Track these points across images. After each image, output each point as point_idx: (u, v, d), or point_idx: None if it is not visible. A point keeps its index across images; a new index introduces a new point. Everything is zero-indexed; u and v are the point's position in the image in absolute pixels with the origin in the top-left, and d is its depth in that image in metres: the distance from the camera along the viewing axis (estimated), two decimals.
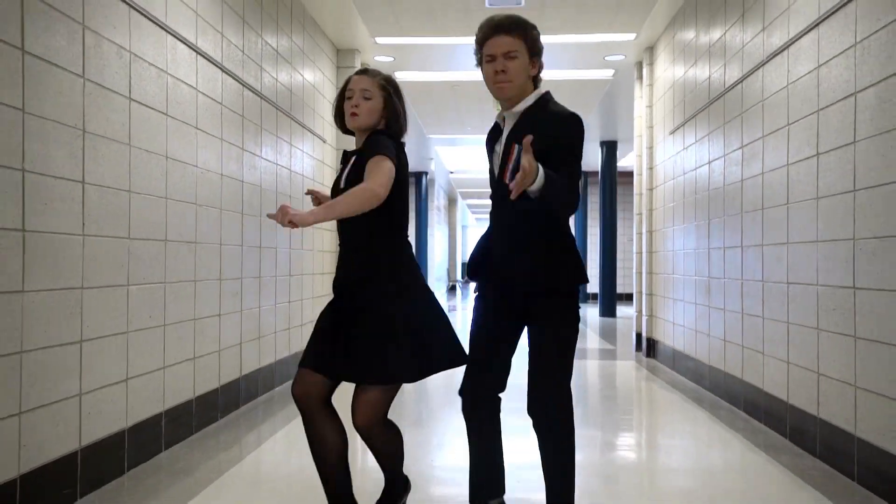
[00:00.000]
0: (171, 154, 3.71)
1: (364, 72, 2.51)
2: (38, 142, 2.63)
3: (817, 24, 3.60)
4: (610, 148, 13.27)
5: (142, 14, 3.38)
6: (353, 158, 2.42)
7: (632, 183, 11.63)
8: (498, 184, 2.30)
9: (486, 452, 2.42)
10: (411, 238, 2.63)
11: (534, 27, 2.31)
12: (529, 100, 2.32)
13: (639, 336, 7.80)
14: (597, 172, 14.66)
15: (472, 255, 2.48)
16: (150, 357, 3.49)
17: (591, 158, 14.95)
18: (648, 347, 7.45)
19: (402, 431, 2.54)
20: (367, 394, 2.31)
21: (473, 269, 2.46)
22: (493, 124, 2.47)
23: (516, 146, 2.11)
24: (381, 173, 2.21)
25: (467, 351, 2.40)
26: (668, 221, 6.78)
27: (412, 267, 2.41)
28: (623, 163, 14.58)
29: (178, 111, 3.79)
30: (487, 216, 2.45)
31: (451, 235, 26.00)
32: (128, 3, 3.26)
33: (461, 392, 2.41)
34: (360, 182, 2.25)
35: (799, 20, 3.82)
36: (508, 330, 2.36)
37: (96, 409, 3.03)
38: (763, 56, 4.30)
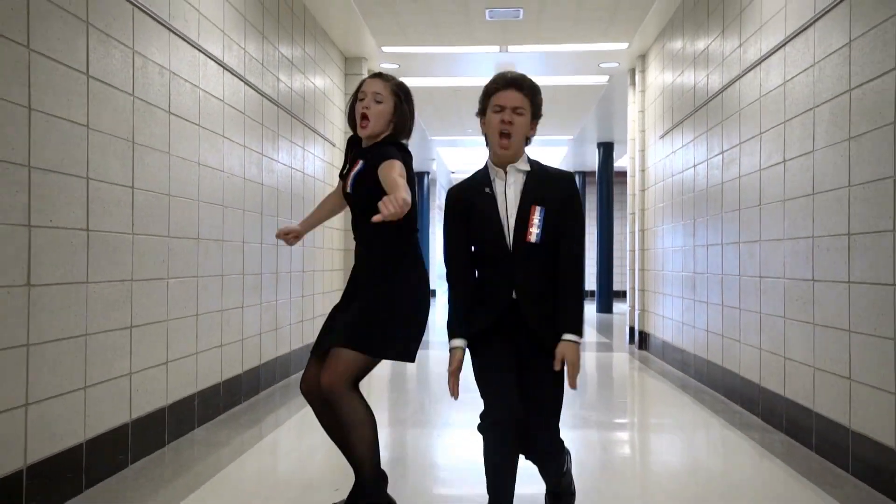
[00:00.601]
0: (203, 161, 4.11)
1: (378, 76, 2.61)
2: (99, 153, 3.04)
3: (783, 45, 4.00)
4: (607, 149, 13.67)
5: (179, 37, 3.78)
6: (360, 163, 2.53)
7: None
8: (505, 252, 2.36)
9: (505, 482, 2.30)
10: None
11: (540, 93, 2.45)
12: (524, 162, 2.44)
13: (632, 329, 8.21)
14: (594, 173, 15.06)
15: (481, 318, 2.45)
16: (185, 343, 3.90)
17: (589, 159, 15.35)
18: (641, 340, 7.86)
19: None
20: (338, 353, 2.40)
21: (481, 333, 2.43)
22: (466, 181, 2.49)
23: (537, 208, 2.33)
24: (400, 182, 2.28)
25: (479, 383, 2.38)
26: (658, 221, 7.18)
27: (420, 268, 2.57)
28: (620, 163, 14.97)
29: (209, 122, 4.20)
30: (448, 257, 2.48)
31: None
32: (169, 29, 3.66)
33: (486, 422, 2.30)
34: (368, 186, 2.44)
35: (769, 39, 4.22)
36: (514, 362, 2.39)
37: (143, 387, 3.44)
38: (740, 70, 4.70)
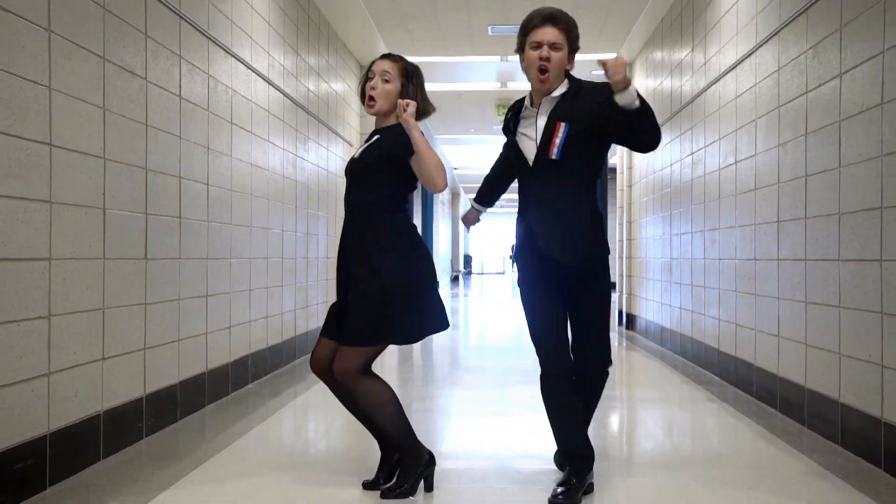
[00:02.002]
0: (254, 162, 4.95)
1: (387, 56, 2.64)
2: (187, 157, 3.87)
3: (735, 66, 4.82)
4: None
5: (239, 60, 4.62)
6: (375, 138, 2.60)
7: None
8: (541, 162, 2.48)
9: (569, 422, 2.57)
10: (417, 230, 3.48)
11: (576, 27, 2.51)
12: (563, 87, 2.50)
13: (620, 312, 9.05)
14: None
15: (518, 240, 2.64)
16: (242, 313, 4.74)
17: None
18: (628, 321, 8.70)
19: (409, 416, 2.66)
20: (343, 353, 2.50)
21: (519, 251, 2.62)
22: (508, 113, 2.65)
23: (561, 124, 2.40)
24: (425, 168, 2.49)
25: (529, 327, 2.56)
26: (642, 213, 8.02)
27: (413, 235, 2.57)
28: (615, 160, 15.79)
29: (259, 129, 5.03)
30: (496, 207, 3.40)
31: (454, 229, 27.23)
32: (232, 55, 4.49)
33: (544, 366, 2.54)
34: (367, 162, 2.56)
35: (726, 59, 5.04)
36: (562, 299, 2.55)
37: (216, 344, 4.28)
38: (705, 83, 5.53)
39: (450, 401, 4.54)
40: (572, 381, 2.53)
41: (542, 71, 2.42)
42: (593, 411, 2.80)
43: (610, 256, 2.64)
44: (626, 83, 2.29)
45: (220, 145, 4.35)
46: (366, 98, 2.61)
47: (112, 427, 3.12)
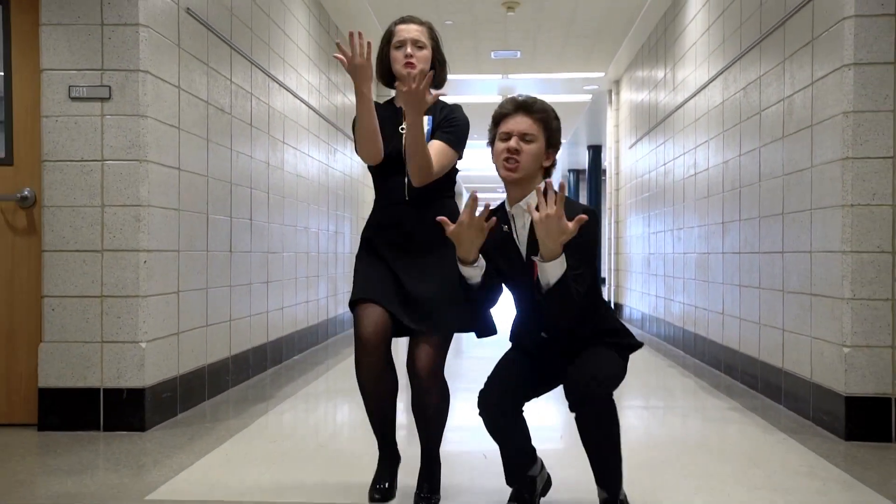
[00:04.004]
0: (298, 172, 6.00)
1: (410, 20, 2.44)
2: (254, 171, 4.93)
3: (696, 94, 5.87)
4: (595, 151, 15.55)
5: (288, 90, 5.67)
6: (429, 119, 2.38)
7: None
8: (531, 300, 2.15)
9: (513, 443, 2.30)
10: None
11: (556, 117, 2.18)
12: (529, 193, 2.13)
13: (609, 302, 10.12)
14: (584, 171, 16.93)
15: (515, 332, 2.36)
16: (290, 297, 5.79)
17: (582, 159, 17.22)
18: (616, 309, 9.77)
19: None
20: (431, 339, 2.34)
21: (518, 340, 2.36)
22: (495, 207, 2.24)
23: (538, 263, 2.00)
24: (446, 162, 2.36)
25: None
26: (628, 214, 9.07)
27: None
28: (606, 163, 16.89)
29: (301, 146, 6.09)
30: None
31: None
32: (283, 87, 5.55)
33: (482, 400, 2.25)
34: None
35: (690, 86, 6.08)
36: (546, 376, 2.26)
37: (273, 322, 5.34)
38: (675, 105, 6.58)
39: (454, 396, 5.59)
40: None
41: (509, 165, 2.11)
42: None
43: (600, 252, 2.50)
44: (555, 253, 1.96)
45: (276, 160, 5.41)
46: (400, 67, 2.35)
47: (212, 377, 4.18)
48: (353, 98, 8.69)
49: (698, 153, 5.78)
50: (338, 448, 3.31)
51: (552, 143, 2.18)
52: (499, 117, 2.20)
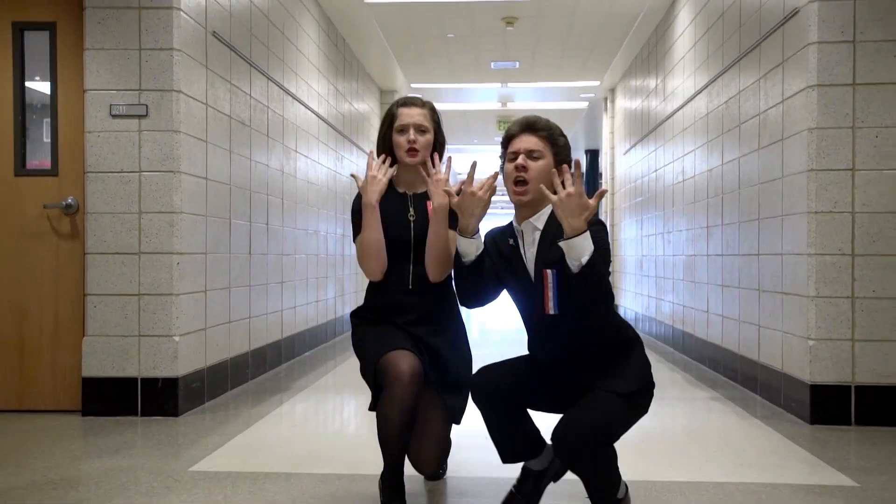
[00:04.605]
0: (309, 179, 6.37)
1: (413, 103, 2.49)
2: (271, 179, 5.29)
3: (683, 106, 6.23)
4: (593, 155, 15.91)
5: (302, 104, 6.03)
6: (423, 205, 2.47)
7: None
8: (540, 317, 2.15)
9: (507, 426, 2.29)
10: None
11: (563, 135, 2.20)
12: (548, 210, 2.15)
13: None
14: (583, 174, 17.29)
15: (529, 347, 2.33)
16: (302, 296, 6.15)
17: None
18: None
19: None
20: (438, 433, 2.45)
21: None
22: (501, 230, 2.30)
23: (549, 273, 2.04)
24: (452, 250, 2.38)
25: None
26: (623, 217, 9.43)
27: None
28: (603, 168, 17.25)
29: (312, 154, 6.45)
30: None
31: None
32: (298, 101, 5.91)
33: (476, 386, 2.29)
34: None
35: (679, 98, 6.44)
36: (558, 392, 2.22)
37: (287, 319, 5.69)
38: (665, 115, 6.94)
39: None
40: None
41: (518, 183, 2.14)
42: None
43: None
44: (580, 228, 1.94)
45: (290, 168, 5.77)
46: (402, 150, 2.46)
47: (234, 369, 4.54)
48: (358, 106, 9.10)
49: (686, 161, 6.14)
50: (352, 431, 3.66)
51: (560, 159, 2.18)
52: (506, 140, 2.25)
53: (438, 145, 2.54)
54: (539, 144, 2.17)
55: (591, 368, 2.15)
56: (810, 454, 3.18)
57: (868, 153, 3.62)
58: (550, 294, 2.06)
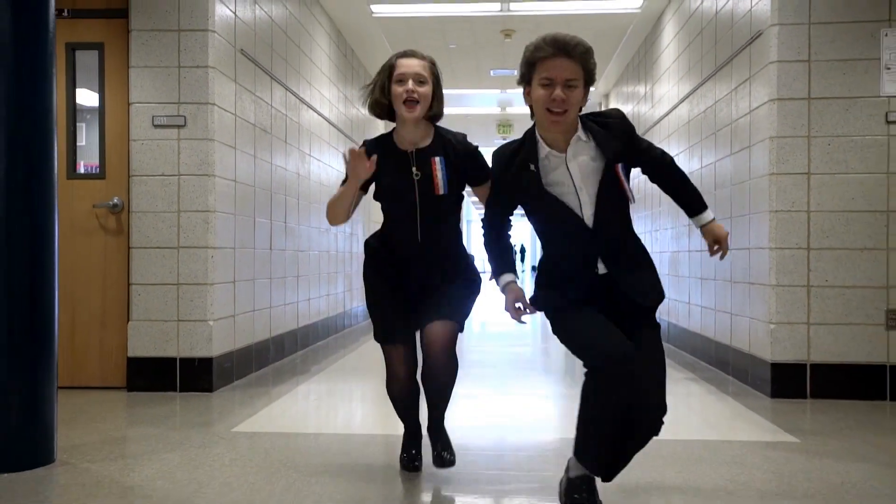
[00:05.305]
0: (321, 181, 6.85)
1: (412, 54, 2.41)
2: (288, 181, 5.77)
3: (668, 113, 6.71)
4: None
5: (316, 111, 6.52)
6: (439, 160, 2.43)
7: None
8: (600, 218, 2.15)
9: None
10: None
11: (593, 54, 2.14)
12: (579, 124, 2.16)
13: None
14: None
15: (560, 285, 2.23)
16: (316, 289, 6.63)
17: None
18: None
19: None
20: (446, 324, 2.44)
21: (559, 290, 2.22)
22: (513, 160, 2.22)
23: (619, 167, 2.13)
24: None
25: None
26: None
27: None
28: None
29: (324, 157, 6.94)
30: (492, 213, 2.30)
31: None
32: (312, 108, 6.40)
33: (598, 361, 2.08)
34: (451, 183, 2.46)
35: (665, 105, 6.92)
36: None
37: (303, 310, 6.18)
38: (652, 121, 7.42)
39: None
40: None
41: (554, 113, 2.08)
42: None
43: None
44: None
45: (304, 171, 6.26)
46: (399, 102, 2.40)
47: (257, 353, 5.02)
48: (364, 111, 9.57)
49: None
50: (369, 403, 4.14)
51: (589, 82, 2.15)
52: (536, 58, 2.12)
53: (436, 99, 2.46)
54: (576, 71, 2.10)
55: (627, 271, 2.18)
56: (765, 420, 3.66)
57: (822, 159, 4.10)
58: (628, 187, 2.18)
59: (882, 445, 3.17)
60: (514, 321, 2.26)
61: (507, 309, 2.25)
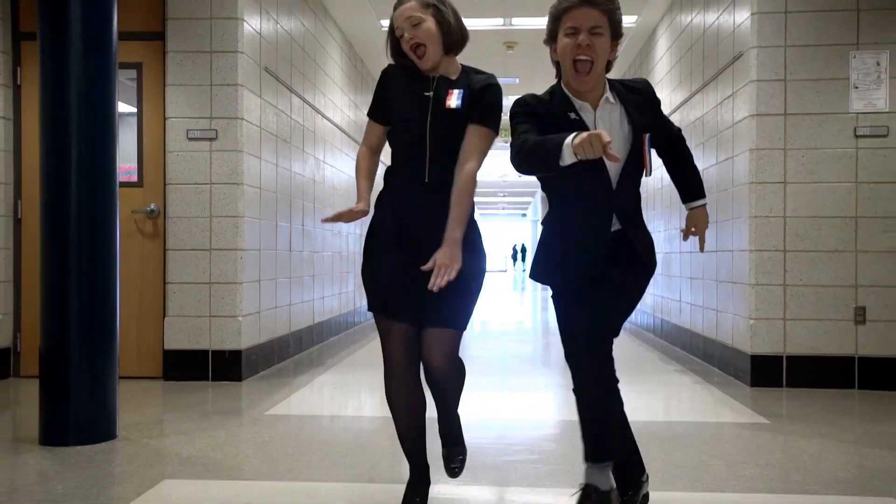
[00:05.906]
0: (334, 185, 7.26)
1: (399, 2, 2.26)
2: (305, 186, 6.18)
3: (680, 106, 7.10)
4: None
5: (329, 121, 6.93)
6: (457, 93, 2.22)
7: None
8: (624, 177, 2.18)
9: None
10: None
11: (619, 6, 2.13)
12: (607, 87, 2.16)
13: None
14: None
15: (560, 250, 2.27)
16: (329, 288, 7.04)
17: None
18: None
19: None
20: (445, 332, 2.25)
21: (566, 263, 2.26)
22: (541, 96, 2.21)
23: (646, 136, 2.12)
24: (482, 154, 2.23)
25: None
26: None
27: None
28: None
29: (337, 163, 7.35)
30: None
31: None
32: (326, 118, 6.81)
33: (576, 345, 2.19)
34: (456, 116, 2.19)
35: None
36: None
37: (318, 308, 6.58)
38: None
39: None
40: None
41: (581, 62, 2.06)
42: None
43: None
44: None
45: (318, 176, 6.66)
46: (409, 53, 2.25)
47: (279, 347, 5.43)
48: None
49: (664, 169, 7.02)
50: (379, 393, 4.55)
51: (616, 35, 2.13)
52: (560, 12, 2.11)
53: (445, 27, 2.24)
54: (601, 19, 2.09)
55: (634, 227, 2.29)
56: (743, 405, 4.06)
57: (797, 170, 4.50)
58: (648, 155, 2.15)
59: (843, 426, 3.58)
60: (606, 157, 1.91)
61: (585, 147, 1.89)
